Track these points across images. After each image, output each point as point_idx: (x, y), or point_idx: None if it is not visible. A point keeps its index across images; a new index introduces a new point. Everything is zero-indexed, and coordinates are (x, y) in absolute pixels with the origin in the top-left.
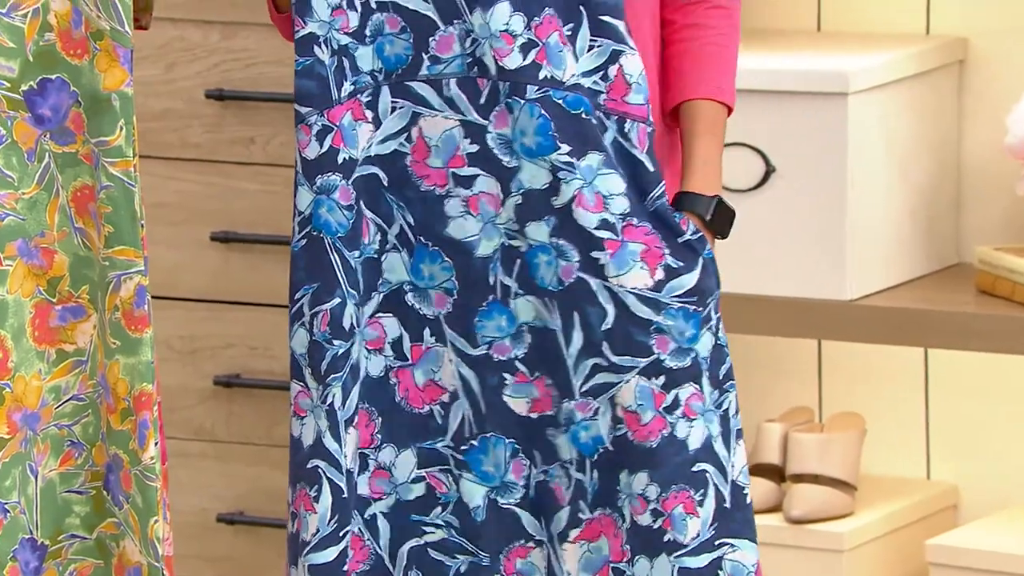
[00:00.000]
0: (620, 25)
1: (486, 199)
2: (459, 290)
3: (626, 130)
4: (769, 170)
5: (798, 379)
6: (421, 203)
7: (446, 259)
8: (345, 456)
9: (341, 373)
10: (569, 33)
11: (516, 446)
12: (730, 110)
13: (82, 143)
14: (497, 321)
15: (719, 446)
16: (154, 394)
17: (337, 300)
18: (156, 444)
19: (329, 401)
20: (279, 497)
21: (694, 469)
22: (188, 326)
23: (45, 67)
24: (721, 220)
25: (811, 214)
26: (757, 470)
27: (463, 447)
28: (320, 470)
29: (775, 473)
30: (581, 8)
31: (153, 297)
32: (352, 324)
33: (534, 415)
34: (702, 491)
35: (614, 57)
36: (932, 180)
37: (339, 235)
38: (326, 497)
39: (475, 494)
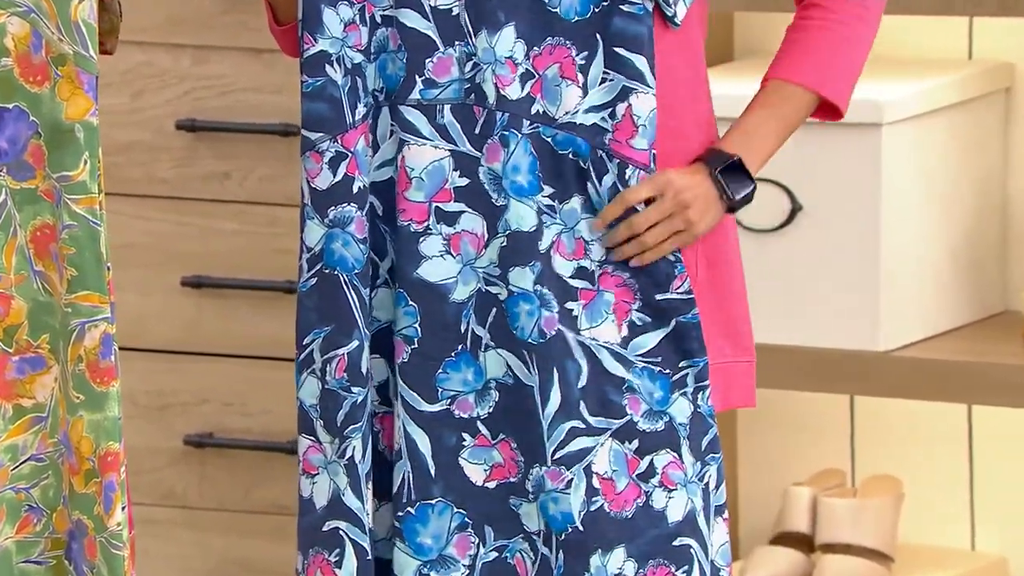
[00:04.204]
0: (638, 60)
1: (468, 239)
2: (422, 338)
3: (627, 177)
4: (795, 208)
5: (828, 438)
6: (396, 239)
7: (411, 303)
8: (368, 514)
9: (360, 423)
10: (582, 62)
11: (466, 519)
12: (834, 109)
13: (43, 178)
14: (464, 374)
15: (702, 521)
16: (121, 453)
17: (355, 343)
18: (123, 509)
19: (349, 455)
20: (255, 568)
21: (675, 544)
22: (156, 380)
23: (2, 95)
24: (733, 181)
25: (842, 256)
26: (784, 539)
27: (399, 513)
28: (341, 532)
29: (803, 542)
30: (598, 36)
31: (118, 347)
32: (369, 368)
33: (492, 484)
34: (685, 568)
35: (624, 94)
36: (975, 219)
37: (356, 271)
38: (350, 561)
39: (406, 568)
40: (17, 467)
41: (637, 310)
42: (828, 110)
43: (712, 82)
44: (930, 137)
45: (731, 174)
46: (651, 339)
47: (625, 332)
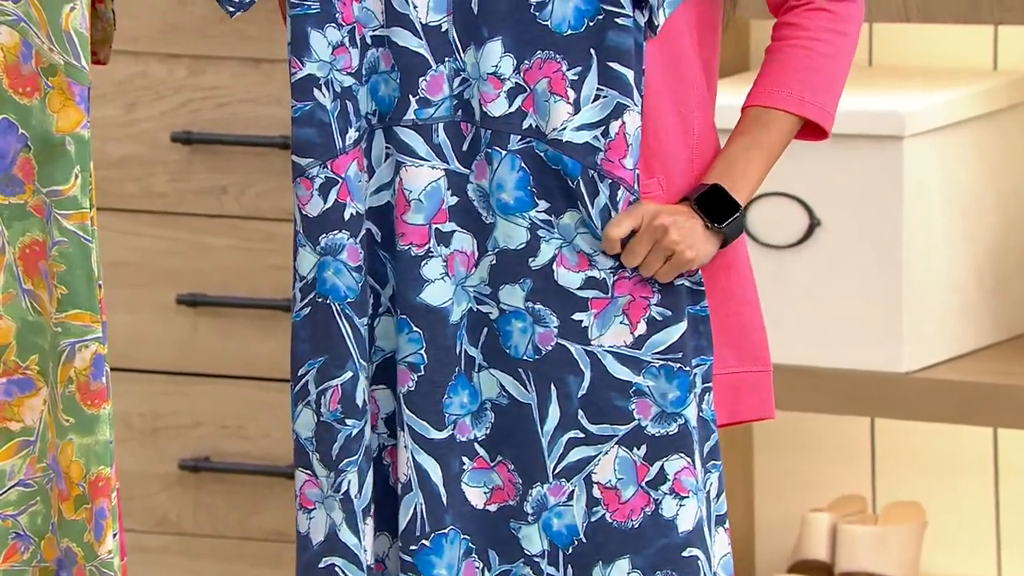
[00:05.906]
0: (629, 75)
1: (460, 258)
2: (427, 364)
3: (618, 198)
4: (814, 224)
5: (848, 463)
6: (396, 264)
7: (415, 329)
8: (365, 551)
9: (356, 456)
10: (574, 78)
11: (470, 544)
12: (818, 129)
13: (32, 193)
14: (460, 397)
15: (706, 531)
16: (113, 479)
17: (348, 374)
18: (115, 536)
19: (344, 489)
20: None
21: (684, 554)
22: (150, 402)
23: None
24: (714, 210)
25: (862, 274)
26: (802, 567)
27: (412, 547)
28: (337, 569)
29: (823, 571)
30: (592, 51)
31: (110, 368)
32: (365, 400)
33: (493, 507)
34: None
35: (618, 111)
36: (1000, 235)
37: (348, 300)
38: None
39: None
40: (4, 493)
41: (656, 304)
42: (813, 129)
43: (727, 92)
44: (953, 150)
45: (711, 203)
46: (673, 333)
47: (642, 329)
